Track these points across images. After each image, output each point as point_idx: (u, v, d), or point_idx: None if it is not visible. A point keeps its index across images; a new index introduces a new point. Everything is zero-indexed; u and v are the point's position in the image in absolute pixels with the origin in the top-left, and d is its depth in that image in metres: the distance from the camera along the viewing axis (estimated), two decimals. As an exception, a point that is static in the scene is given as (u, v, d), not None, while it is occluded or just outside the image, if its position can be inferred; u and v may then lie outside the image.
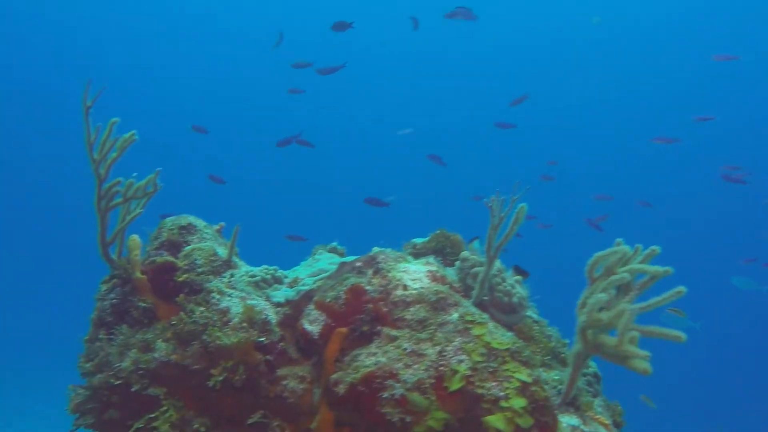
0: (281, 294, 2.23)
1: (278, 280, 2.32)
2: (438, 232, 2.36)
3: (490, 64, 21.82)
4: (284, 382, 2.09)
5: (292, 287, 2.27)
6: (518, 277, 2.20)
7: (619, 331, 1.65)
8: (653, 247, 1.78)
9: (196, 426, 2.10)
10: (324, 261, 2.38)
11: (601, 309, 1.70)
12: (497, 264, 2.15)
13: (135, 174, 2.26)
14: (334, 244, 2.53)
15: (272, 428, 2.06)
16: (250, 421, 2.06)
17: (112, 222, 2.34)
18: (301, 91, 8.56)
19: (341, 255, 2.49)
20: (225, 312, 2.10)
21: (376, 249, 2.13)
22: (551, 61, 21.46)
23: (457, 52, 21.77)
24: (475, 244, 2.32)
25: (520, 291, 2.18)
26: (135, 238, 2.33)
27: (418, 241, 2.42)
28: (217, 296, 2.15)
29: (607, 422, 2.06)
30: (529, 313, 2.24)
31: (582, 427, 1.95)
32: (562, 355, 2.29)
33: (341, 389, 1.78)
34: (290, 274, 2.37)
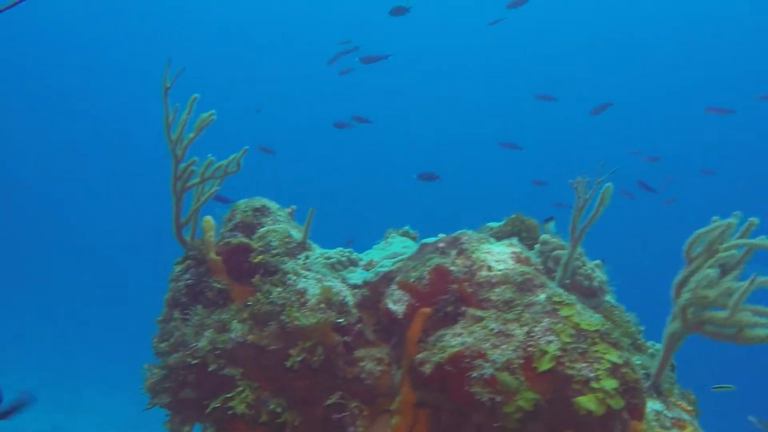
0: (357, 276, 2.24)
1: (353, 263, 2.33)
2: (513, 216, 2.36)
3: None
4: (362, 364, 2.10)
5: (367, 270, 2.28)
6: (598, 261, 2.19)
7: (731, 308, 1.63)
8: (752, 220, 1.76)
9: (272, 407, 2.12)
10: (397, 244, 2.39)
11: (705, 287, 1.69)
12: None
13: (211, 155, 2.28)
14: (407, 228, 2.54)
15: (350, 409, 2.07)
16: (328, 402, 2.07)
17: (183, 206, 2.37)
18: (350, 70, 8.71)
19: (414, 239, 2.49)
20: (302, 293, 2.12)
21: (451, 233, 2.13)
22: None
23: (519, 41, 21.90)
24: (551, 225, 2.32)
25: (600, 275, 2.17)
26: (209, 219, 2.36)
27: (494, 225, 2.42)
28: (294, 277, 2.17)
29: (689, 408, 2.04)
30: (607, 297, 2.23)
31: (665, 412, 1.94)
32: (638, 341, 2.28)
33: (427, 369, 1.78)
34: (364, 257, 2.38)
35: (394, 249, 2.37)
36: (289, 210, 2.53)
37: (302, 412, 2.15)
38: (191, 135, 2.26)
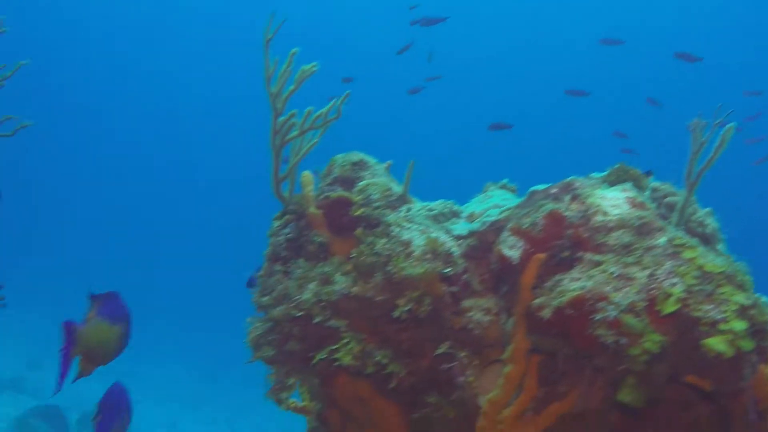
0: (462, 227, 2.24)
1: (456, 214, 2.33)
2: (617, 166, 2.33)
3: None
4: (469, 314, 2.11)
5: (470, 222, 2.27)
6: (709, 209, 2.16)
7: None
8: None
9: (378, 358, 2.14)
10: (497, 197, 2.38)
11: None
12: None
13: (311, 107, 2.29)
14: (505, 181, 2.53)
15: (459, 359, 2.08)
16: (437, 352, 2.08)
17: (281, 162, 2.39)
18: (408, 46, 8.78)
19: (512, 191, 2.48)
20: (407, 243, 2.12)
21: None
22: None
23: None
24: (651, 180, 2.29)
25: (713, 222, 2.14)
26: (308, 173, 2.38)
27: (597, 175, 2.39)
28: (397, 229, 2.17)
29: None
30: (719, 246, 2.19)
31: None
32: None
33: (546, 313, 1.78)
34: (465, 209, 2.38)
35: (493, 201, 2.36)
36: (385, 165, 2.53)
37: (408, 364, 2.16)
38: (291, 87, 2.27)
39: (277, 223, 2.41)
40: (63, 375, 1.90)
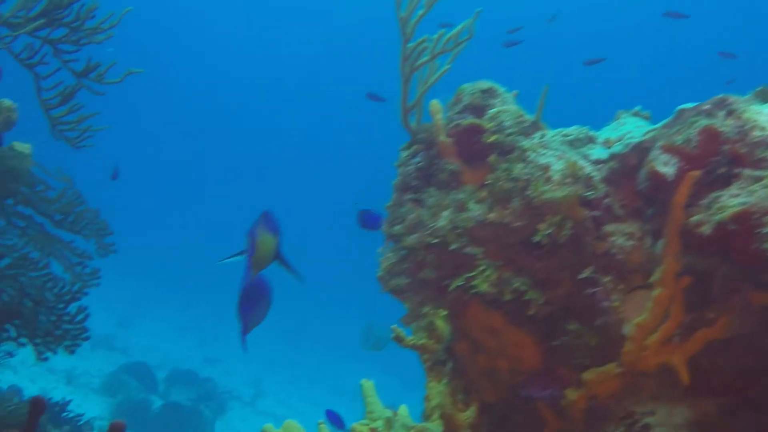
0: (600, 151, 2.19)
1: (592, 140, 2.29)
2: (759, 89, 2.25)
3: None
4: (612, 239, 2.07)
5: (607, 147, 2.23)
6: None
7: None
8: None
9: (516, 285, 2.12)
10: (630, 124, 2.32)
11: None
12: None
13: (443, 30, 2.26)
14: (638, 108, 2.46)
15: (603, 284, 2.05)
16: (581, 276, 2.05)
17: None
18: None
19: (646, 119, 2.42)
20: (546, 168, 2.09)
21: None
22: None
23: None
24: None
25: None
26: (436, 102, 2.36)
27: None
28: (533, 154, 2.14)
29: None
30: None
31: None
32: None
33: (706, 230, 1.74)
34: (599, 136, 2.33)
35: (627, 128, 2.30)
36: (512, 93, 2.50)
37: (544, 293, 2.14)
38: (421, 11, 2.25)
39: (405, 153, 2.41)
40: (248, 274, 2.24)
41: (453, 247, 2.15)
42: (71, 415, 5.79)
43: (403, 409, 3.12)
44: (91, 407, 9.32)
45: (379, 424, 2.87)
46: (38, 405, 2.54)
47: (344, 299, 20.95)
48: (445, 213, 2.19)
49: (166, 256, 21.99)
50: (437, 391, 2.80)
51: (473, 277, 2.15)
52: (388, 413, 3.07)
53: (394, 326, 2.84)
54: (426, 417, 2.87)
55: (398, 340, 2.80)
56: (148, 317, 15.87)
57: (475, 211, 2.15)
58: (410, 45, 2.28)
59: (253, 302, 2.55)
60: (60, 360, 11.36)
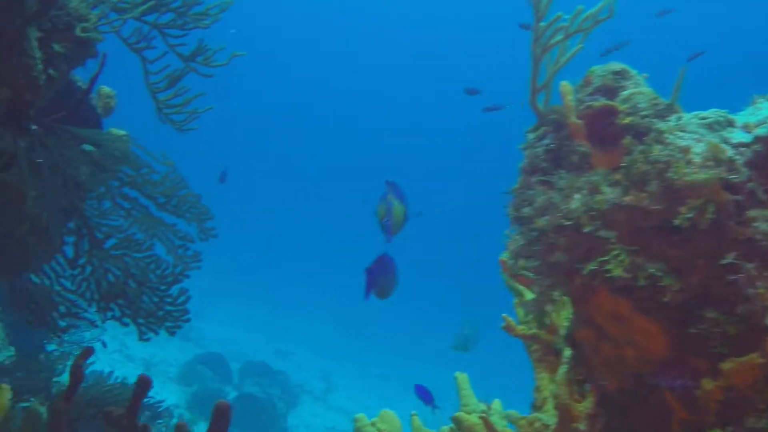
0: (742, 134, 2.14)
1: (731, 123, 2.23)
2: None
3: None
4: (755, 224, 2.02)
5: (746, 131, 2.17)
6: None
7: None
8: None
9: (651, 270, 2.09)
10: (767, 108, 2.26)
11: None
12: None
13: (581, 6, 2.23)
14: (775, 92, 2.40)
15: (746, 270, 2.00)
16: (723, 261, 2.01)
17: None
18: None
19: (785, 103, 2.36)
20: (686, 150, 2.05)
21: None
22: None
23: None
24: None
25: None
26: (566, 83, 2.34)
27: None
28: (671, 136, 2.10)
29: None
30: None
31: None
32: None
33: None
34: (738, 120, 2.27)
35: (765, 113, 2.24)
36: (643, 76, 2.46)
37: (679, 279, 2.10)
38: (556, -11, 2.23)
39: (532, 136, 2.39)
40: (388, 237, 2.42)
41: (586, 229, 2.13)
42: (152, 401, 5.93)
43: (497, 404, 3.10)
44: (168, 395, 9.52)
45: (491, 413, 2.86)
46: (145, 383, 2.60)
47: (416, 299, 21.03)
48: (578, 195, 2.17)
49: (236, 250, 22.40)
50: (548, 381, 2.78)
51: (606, 262, 2.12)
52: (483, 406, 3.06)
53: (504, 315, 2.83)
54: (536, 408, 2.85)
55: (508, 329, 2.79)
56: (220, 309, 16.15)
57: (610, 193, 2.12)
58: (543, 24, 2.26)
59: (385, 270, 2.61)
60: (138, 348, 11.65)
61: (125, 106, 4.50)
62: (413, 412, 3.09)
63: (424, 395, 5.02)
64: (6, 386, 2.46)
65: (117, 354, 11.00)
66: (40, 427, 2.78)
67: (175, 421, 7.04)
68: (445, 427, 3.08)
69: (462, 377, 3.11)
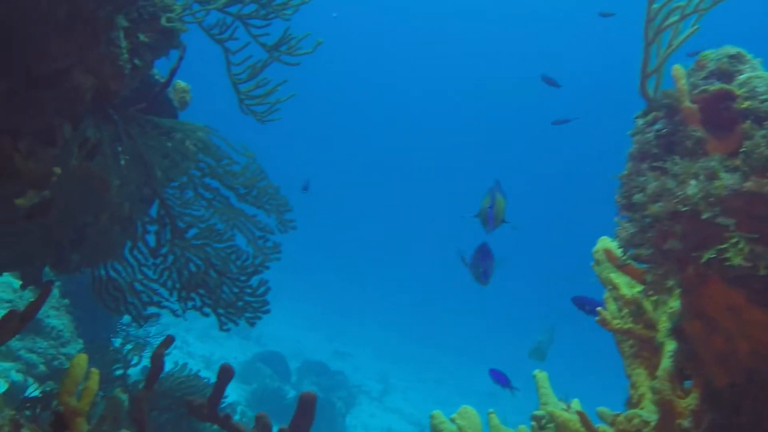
0: None
1: None
2: None
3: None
4: None
5: None
6: None
7: None
8: None
9: (769, 261, 2.02)
10: None
11: None
12: None
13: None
14: None
15: None
16: None
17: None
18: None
19: None
20: (816, 135, 1.98)
21: None
22: None
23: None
24: None
25: None
26: (679, 67, 2.28)
27: None
28: (796, 120, 2.03)
29: None
30: None
31: None
32: None
33: None
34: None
35: None
36: (758, 60, 2.39)
37: (802, 270, 2.03)
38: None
39: (641, 121, 2.34)
40: (490, 226, 2.45)
41: (705, 216, 2.07)
42: (215, 398, 5.97)
43: (575, 403, 3.05)
44: (228, 392, 9.59)
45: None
46: (227, 372, 2.60)
47: (474, 303, 20.97)
48: (694, 182, 2.11)
49: (295, 251, 22.63)
50: (645, 377, 2.73)
51: (725, 250, 2.06)
52: (563, 405, 3.01)
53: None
54: (632, 405, 2.79)
55: (603, 323, 2.74)
56: (281, 308, 16.28)
57: (729, 179, 2.06)
58: (656, 6, 2.21)
59: (488, 257, 2.63)
60: (198, 346, 11.79)
61: (196, 102, 4.54)
62: (490, 410, 3.05)
63: (501, 378, 4.97)
64: (96, 370, 2.48)
65: (177, 351, 11.12)
66: (121, 414, 2.82)
67: (237, 417, 7.08)
68: (523, 426, 3.04)
69: (541, 375, 3.07)
